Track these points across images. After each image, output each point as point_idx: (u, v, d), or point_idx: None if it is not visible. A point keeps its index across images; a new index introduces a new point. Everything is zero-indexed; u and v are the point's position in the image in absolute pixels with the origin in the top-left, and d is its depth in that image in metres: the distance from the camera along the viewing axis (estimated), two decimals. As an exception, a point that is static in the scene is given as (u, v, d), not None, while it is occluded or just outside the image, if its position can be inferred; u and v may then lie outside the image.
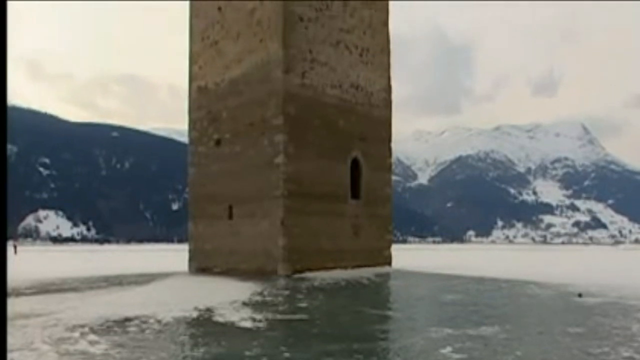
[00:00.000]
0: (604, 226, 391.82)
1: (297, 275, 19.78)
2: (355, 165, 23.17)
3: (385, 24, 24.81)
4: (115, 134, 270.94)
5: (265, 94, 21.07)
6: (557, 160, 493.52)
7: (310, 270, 20.54)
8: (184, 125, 25.35)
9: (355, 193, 23.15)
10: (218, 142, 23.10)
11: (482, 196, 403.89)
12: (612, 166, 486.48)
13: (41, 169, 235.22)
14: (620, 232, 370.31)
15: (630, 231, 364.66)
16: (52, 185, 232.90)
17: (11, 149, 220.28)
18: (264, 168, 20.92)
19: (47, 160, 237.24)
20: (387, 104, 24.82)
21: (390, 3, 25.36)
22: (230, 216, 22.27)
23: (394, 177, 26.76)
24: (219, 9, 23.37)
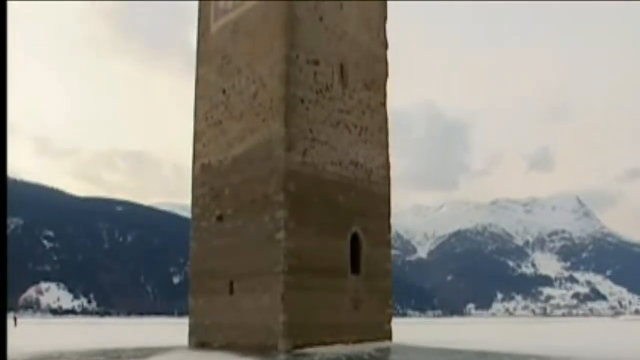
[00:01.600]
0: (604, 297, 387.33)
1: (297, 351, 19.51)
2: (355, 240, 23.19)
3: (383, 104, 25.40)
4: (119, 208, 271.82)
5: (267, 172, 21.36)
6: (555, 232, 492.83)
7: (310, 345, 20.24)
8: (187, 201, 25.56)
9: (355, 268, 23.07)
10: (220, 218, 23.23)
11: (481, 269, 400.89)
12: (609, 238, 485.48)
13: (45, 242, 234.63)
14: (619, 303, 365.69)
15: (629, 302, 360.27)
16: (55, 258, 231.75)
17: (17, 221, 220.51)
18: (265, 243, 20.94)
19: (51, 233, 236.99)
20: (386, 180, 25.10)
21: (388, 83, 25.99)
22: (231, 291, 22.13)
23: (393, 251, 26.73)
24: (223, 91, 23.99)
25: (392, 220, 25.53)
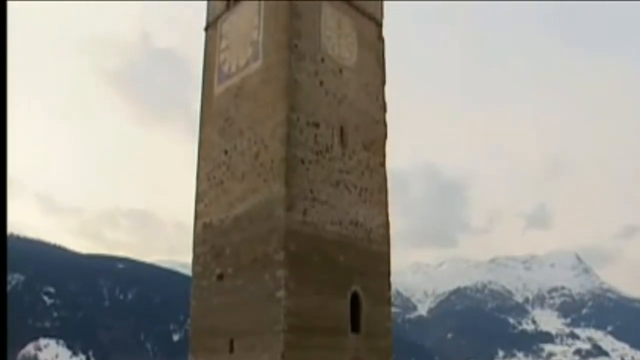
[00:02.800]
0: (606, 354, 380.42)
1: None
2: (355, 299, 23.06)
3: (382, 164, 25.65)
4: (120, 265, 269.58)
5: (268, 231, 21.46)
6: (554, 289, 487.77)
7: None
8: (188, 258, 25.52)
9: (355, 327, 22.87)
10: (220, 277, 23.19)
11: (481, 327, 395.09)
12: (609, 294, 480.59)
13: (45, 298, 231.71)
14: (622, 359, 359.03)
15: (632, 358, 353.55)
16: (55, 314, 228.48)
17: (18, 277, 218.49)
18: (265, 302, 20.86)
19: (51, 290, 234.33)
20: (386, 239, 25.11)
21: (387, 145, 26.30)
22: (231, 349, 21.89)
23: (393, 309, 26.52)
24: (226, 152, 24.30)
25: (392, 278, 25.42)
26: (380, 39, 27.06)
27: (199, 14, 28.36)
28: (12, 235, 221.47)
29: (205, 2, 28.17)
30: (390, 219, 25.56)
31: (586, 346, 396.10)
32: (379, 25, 27.19)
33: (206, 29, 27.43)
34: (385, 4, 27.91)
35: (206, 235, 24.38)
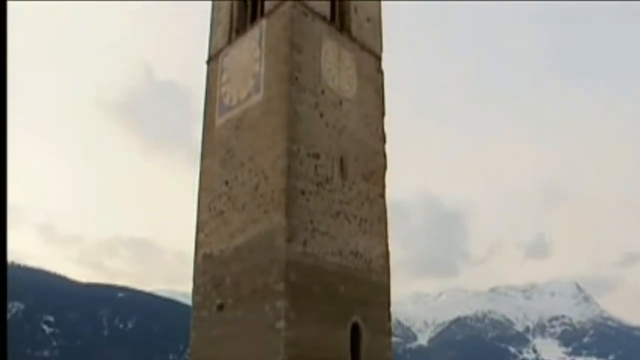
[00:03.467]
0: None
1: None
2: (355, 329, 22.94)
3: (382, 195, 25.72)
4: (120, 294, 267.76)
5: (268, 261, 21.45)
6: (555, 318, 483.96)
7: None
8: (188, 287, 25.43)
9: (355, 357, 22.71)
10: (220, 307, 23.10)
11: (482, 356, 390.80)
12: (610, 322, 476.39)
13: (45, 327, 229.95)
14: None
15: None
16: (54, 343, 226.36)
17: (18, 306, 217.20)
18: (265, 333, 20.77)
19: (51, 318, 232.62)
20: (386, 269, 25.07)
21: (387, 175, 26.40)
22: (232, 381, 21.71)
23: (393, 339, 26.34)
24: (227, 183, 24.40)
25: (392, 308, 25.31)
26: (380, 72, 27.38)
27: (201, 47, 28.76)
28: (12, 263, 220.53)
29: (206, 36, 28.57)
30: (390, 249, 25.57)
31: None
32: (378, 58, 27.55)
33: (208, 62, 27.74)
34: (385, 38, 28.34)
35: (206, 266, 24.34)
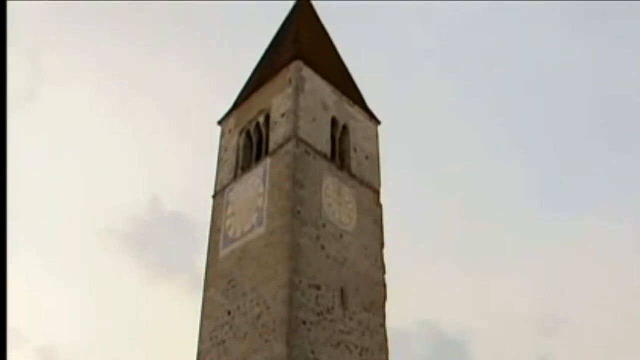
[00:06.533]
0: None
1: None
2: None
3: (383, 325, 25.58)
4: None
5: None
6: None
7: None
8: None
9: None
10: None
11: None
12: None
13: None
14: None
15: None
16: None
17: None
18: None
19: None
20: (387, 399, 24.68)
21: (387, 305, 26.57)
22: None
23: None
24: (229, 312, 24.57)
25: None
26: (379, 205, 28.33)
27: (207, 179, 30.00)
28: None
29: (212, 169, 30.00)
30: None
31: None
32: (377, 192, 28.64)
33: (214, 196, 28.89)
34: (383, 173, 29.68)
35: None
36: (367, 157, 29.08)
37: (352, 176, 27.61)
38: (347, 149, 28.35)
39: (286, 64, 28.34)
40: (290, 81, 27.57)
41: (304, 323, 22.34)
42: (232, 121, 30.51)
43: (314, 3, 34.79)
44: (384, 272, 27.18)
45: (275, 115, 27.54)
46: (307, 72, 27.98)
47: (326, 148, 27.13)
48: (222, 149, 30.24)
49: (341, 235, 25.67)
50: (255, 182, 26.61)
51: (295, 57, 28.06)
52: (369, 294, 25.78)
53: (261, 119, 28.55)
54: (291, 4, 34.90)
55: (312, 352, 22.10)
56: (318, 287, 23.57)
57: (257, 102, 29.40)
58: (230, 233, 26.59)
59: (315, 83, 28.20)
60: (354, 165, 28.06)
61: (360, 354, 24.09)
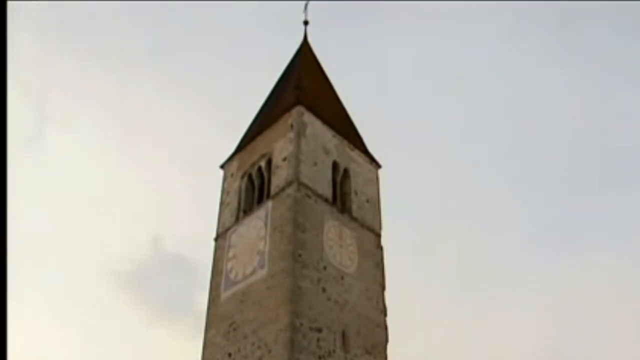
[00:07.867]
0: None
1: None
2: None
3: (384, 367, 25.68)
4: None
5: None
6: None
7: None
8: None
9: None
10: None
11: None
12: None
13: None
14: None
15: None
16: None
17: None
18: None
19: None
20: None
21: (388, 347, 26.45)
22: None
23: None
24: (229, 354, 24.32)
25: None
26: (379, 247, 28.41)
27: (209, 221, 30.19)
28: None
29: (214, 211, 30.28)
30: None
31: None
32: (378, 235, 28.78)
33: (216, 239, 29.02)
34: (383, 216, 29.87)
35: None
36: (367, 200, 29.32)
37: (353, 219, 27.79)
38: (348, 192, 28.61)
39: (288, 109, 28.86)
40: (291, 126, 28.04)
41: (305, 368, 22.23)
42: (234, 164, 30.89)
43: (315, 49, 35.64)
44: (385, 314, 27.11)
45: (277, 159, 27.91)
46: (309, 117, 28.48)
47: (327, 191, 27.39)
48: (225, 191, 30.53)
49: (342, 278, 25.69)
50: (256, 225, 26.79)
51: (297, 103, 28.58)
52: (371, 336, 25.68)
53: (263, 163, 28.90)
54: (293, 50, 35.76)
55: (314, 400, 21.94)
56: (319, 330, 23.51)
57: (259, 146, 29.82)
58: (232, 275, 26.65)
59: (316, 127, 28.67)
60: (354, 208, 28.27)
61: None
